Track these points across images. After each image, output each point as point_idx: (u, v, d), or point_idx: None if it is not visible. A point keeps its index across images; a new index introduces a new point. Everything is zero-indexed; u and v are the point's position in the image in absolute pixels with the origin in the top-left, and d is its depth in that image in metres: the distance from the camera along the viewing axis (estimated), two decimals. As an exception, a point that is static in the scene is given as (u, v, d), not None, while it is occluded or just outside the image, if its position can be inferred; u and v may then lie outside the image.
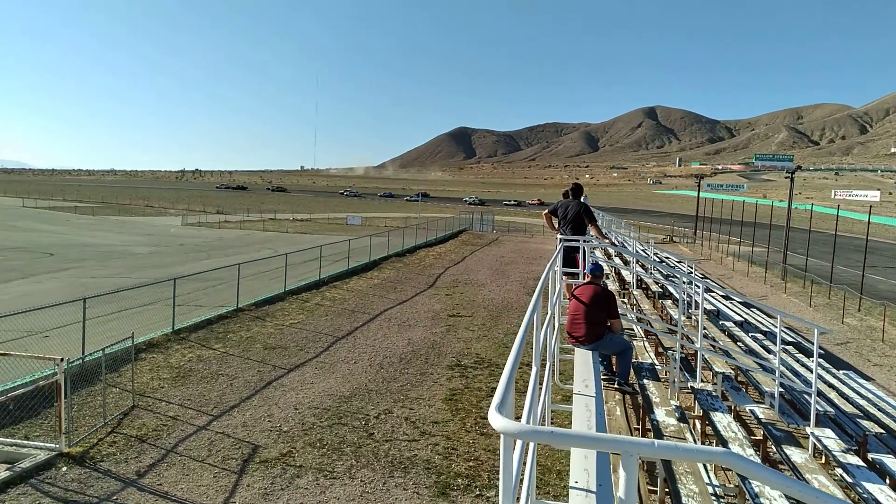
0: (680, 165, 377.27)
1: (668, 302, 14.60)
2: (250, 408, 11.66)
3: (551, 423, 5.99)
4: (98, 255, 44.47)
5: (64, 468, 9.00)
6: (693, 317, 13.17)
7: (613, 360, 7.38)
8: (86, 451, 9.49)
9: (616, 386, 6.91)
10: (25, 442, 9.67)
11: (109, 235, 59.96)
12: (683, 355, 9.59)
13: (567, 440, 1.87)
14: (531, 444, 2.88)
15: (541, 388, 4.20)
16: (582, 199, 9.77)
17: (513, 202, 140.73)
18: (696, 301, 13.96)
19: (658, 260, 22.27)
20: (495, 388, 10.20)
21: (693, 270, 20.72)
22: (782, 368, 9.23)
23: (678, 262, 26.88)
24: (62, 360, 9.60)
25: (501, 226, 70.05)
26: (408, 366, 14.72)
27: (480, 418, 11.44)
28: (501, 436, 2.02)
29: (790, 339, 14.34)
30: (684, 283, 13.21)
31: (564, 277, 8.37)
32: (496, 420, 1.83)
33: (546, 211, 10.13)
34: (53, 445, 9.47)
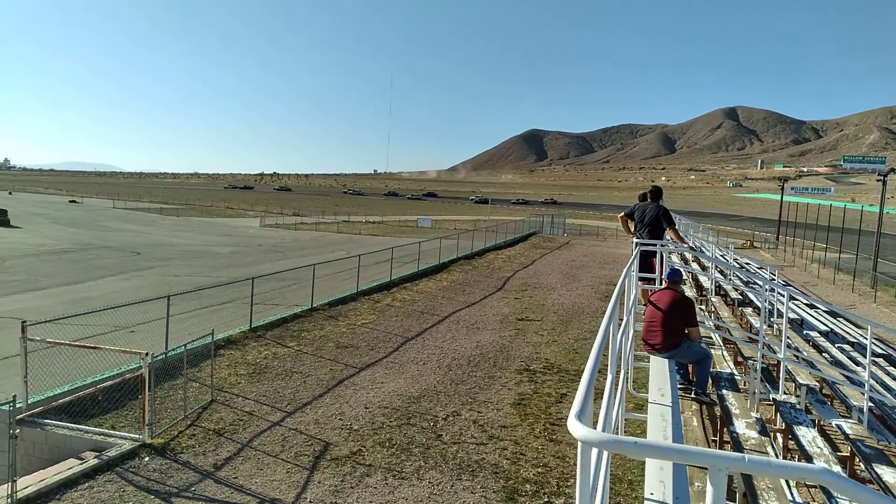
0: (762, 168, 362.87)
1: (749, 310, 14.01)
2: (322, 405, 11.88)
3: (624, 432, 5.83)
4: (181, 254, 46.50)
5: (146, 458, 9.40)
6: (775, 325, 12.59)
7: (690, 369, 7.12)
8: (167, 443, 9.89)
9: (693, 396, 6.67)
10: (112, 431, 10.17)
11: (192, 235, 62.60)
12: (765, 365, 9.17)
13: (650, 451, 1.79)
14: (606, 453, 2.78)
15: (614, 396, 4.08)
16: (660, 203, 9.50)
17: (520, 200, 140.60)
18: (778, 309, 13.35)
19: (738, 266, 21.42)
20: (565, 395, 10.08)
21: (775, 277, 19.82)
22: (872, 382, 8.68)
23: (759, 268, 25.80)
24: (147, 354, 10.05)
25: (573, 229, 69.15)
26: (476, 369, 14.68)
27: (549, 424, 11.29)
28: (579, 444, 1.95)
29: (881, 351, 13.50)
30: (766, 290, 12.65)
31: (640, 283, 8.15)
32: (576, 428, 1.76)
33: (622, 214, 9.89)
34: (137, 436, 9.92)
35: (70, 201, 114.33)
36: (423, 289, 25.22)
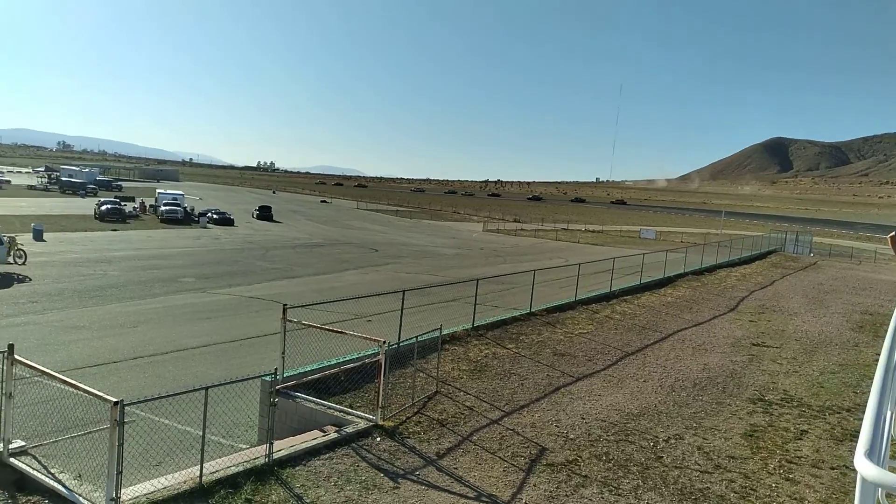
0: None
1: None
2: (539, 410, 11.98)
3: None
4: (412, 253, 49.81)
5: (378, 438, 10.21)
6: None
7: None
8: (396, 427, 10.65)
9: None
10: (350, 410, 11.20)
11: (422, 237, 66.72)
12: None
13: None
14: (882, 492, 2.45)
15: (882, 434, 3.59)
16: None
17: (533, 196, 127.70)
18: None
19: None
20: (805, 432, 9.11)
21: None
22: None
23: None
24: (384, 342, 10.93)
25: (821, 249, 61.91)
26: (702, 392, 13.78)
27: (786, 461, 10.23)
28: (859, 484, 1.75)
29: None
30: None
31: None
32: (867, 467, 1.58)
33: (893, 234, 8.64)
34: (371, 417, 10.82)
35: (321, 201, 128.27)
36: (644, 303, 24.27)
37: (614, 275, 25.53)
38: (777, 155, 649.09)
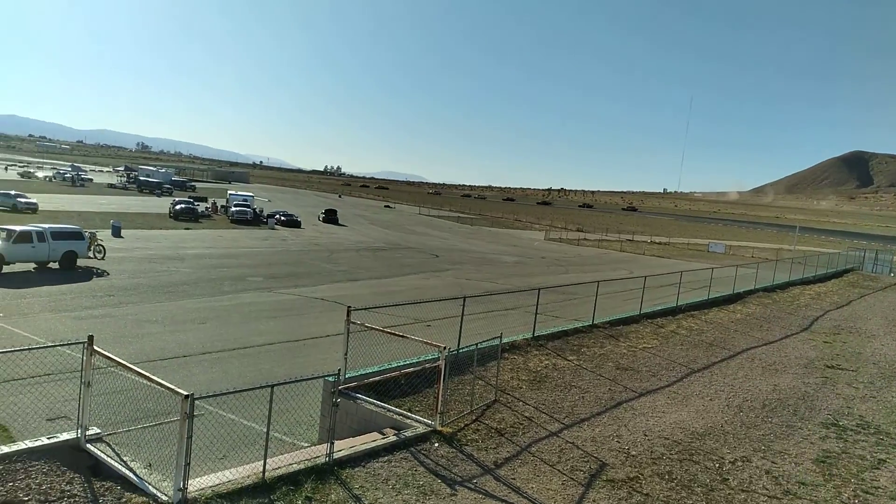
0: None
1: None
2: (599, 424, 11.75)
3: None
4: (473, 259, 49.80)
5: (436, 444, 10.21)
6: None
7: None
8: (454, 433, 10.64)
9: None
10: (409, 414, 11.25)
11: (482, 244, 66.66)
12: None
13: None
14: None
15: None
16: None
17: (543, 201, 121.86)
18: None
19: None
20: (883, 461, 8.66)
21: None
22: None
23: None
24: (445, 348, 10.94)
25: (903, 268, 58.64)
26: (772, 414, 13.25)
27: (861, 491, 9.72)
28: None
29: None
30: None
31: None
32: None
33: None
34: (429, 422, 10.84)
35: (385, 206, 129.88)
36: (712, 319, 23.53)
37: (681, 289, 24.86)
38: (856, 169, 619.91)
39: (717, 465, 10.29)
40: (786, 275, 36.94)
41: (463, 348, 12.53)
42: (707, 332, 21.06)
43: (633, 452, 10.54)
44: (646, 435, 11.38)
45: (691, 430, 11.87)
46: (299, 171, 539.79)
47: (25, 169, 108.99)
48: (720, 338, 20.47)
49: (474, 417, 11.47)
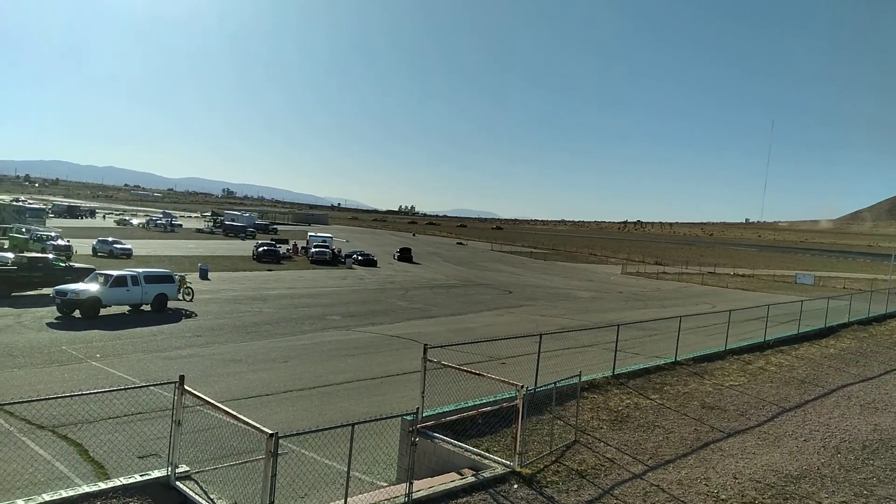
0: None
1: None
2: (686, 466, 11.28)
3: None
4: (547, 295, 49.29)
5: (515, 485, 10.04)
6: None
7: None
8: (533, 474, 10.44)
9: None
10: (487, 454, 11.13)
11: (556, 279, 65.95)
12: None
13: None
14: None
15: None
16: None
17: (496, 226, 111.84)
18: None
19: None
20: None
21: None
22: None
23: None
24: (522, 386, 10.83)
25: None
26: (873, 456, 12.37)
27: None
28: None
29: None
30: None
31: None
32: None
33: None
34: (508, 462, 10.68)
35: (457, 243, 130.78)
36: (803, 354, 22.32)
37: (768, 323, 23.76)
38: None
39: (816, 512, 9.67)
40: (882, 306, 34.69)
41: (541, 387, 12.35)
42: (798, 369, 19.97)
43: (723, 496, 10.03)
44: (735, 478, 10.83)
45: (784, 472, 11.22)
46: (375, 210, 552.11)
47: (121, 217, 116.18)
48: (813, 374, 19.37)
49: (554, 458, 11.23)
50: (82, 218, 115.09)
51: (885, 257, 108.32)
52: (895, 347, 25.22)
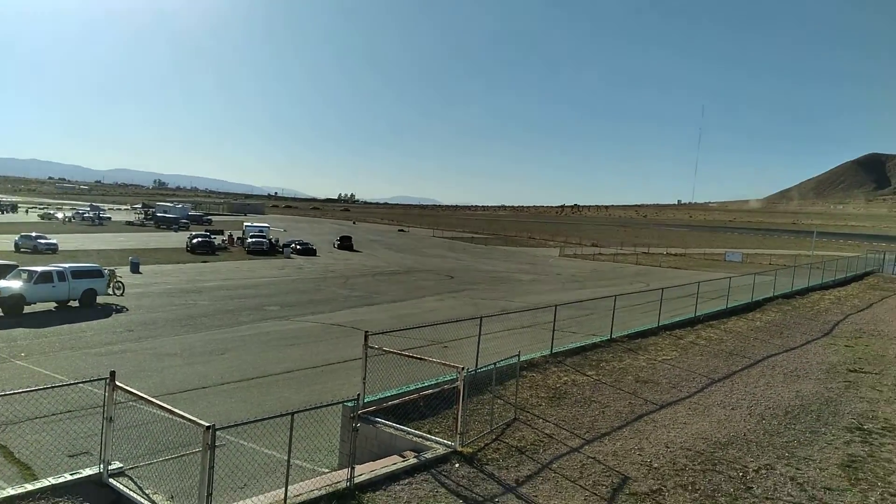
0: None
1: None
2: (620, 438, 11.68)
3: None
4: (488, 279, 49.81)
5: (456, 464, 10.20)
6: None
7: None
8: (474, 453, 10.62)
9: None
10: (428, 436, 11.25)
11: (497, 263, 66.67)
12: None
13: None
14: None
15: None
16: None
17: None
18: None
19: None
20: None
21: None
22: None
23: None
24: (463, 368, 10.97)
25: (925, 269, 57.77)
26: (795, 421, 13.09)
27: (889, 494, 9.56)
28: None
29: None
30: None
31: None
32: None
33: None
34: (450, 443, 10.83)
35: (399, 230, 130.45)
36: (731, 328, 23.33)
37: (699, 299, 24.71)
38: (873, 171, 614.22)
39: (741, 474, 10.18)
40: (805, 280, 36.55)
41: (481, 368, 12.54)
42: (727, 342, 20.88)
43: (656, 465, 10.45)
44: (667, 447, 11.29)
45: (713, 439, 11.76)
46: (313, 199, 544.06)
47: (45, 210, 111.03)
48: (740, 346, 20.29)
49: (494, 437, 11.44)
50: (3, 213, 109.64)
51: (808, 234, 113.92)
52: (816, 318, 26.62)
